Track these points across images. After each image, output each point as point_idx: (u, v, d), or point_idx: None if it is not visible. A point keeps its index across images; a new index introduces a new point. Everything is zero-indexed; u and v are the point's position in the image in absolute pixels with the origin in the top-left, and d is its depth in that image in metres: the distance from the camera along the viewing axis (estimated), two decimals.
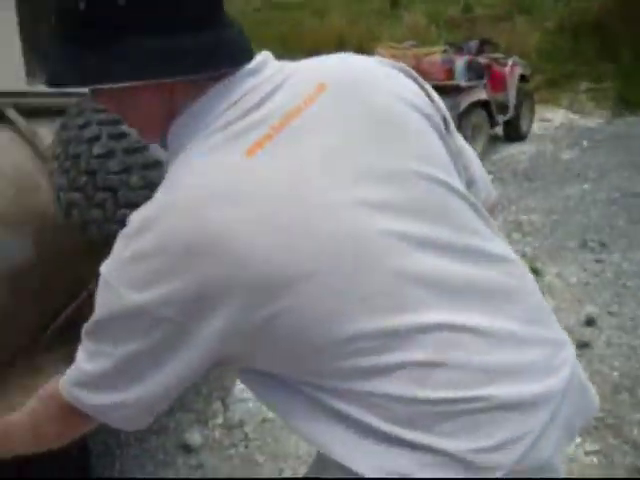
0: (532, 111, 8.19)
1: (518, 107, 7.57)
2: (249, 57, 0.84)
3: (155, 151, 1.36)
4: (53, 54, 0.84)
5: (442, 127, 0.96)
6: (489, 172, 6.72)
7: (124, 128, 1.36)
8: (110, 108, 0.91)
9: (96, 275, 0.81)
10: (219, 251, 0.72)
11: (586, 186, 5.89)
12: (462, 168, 1.00)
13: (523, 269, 0.94)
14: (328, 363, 0.77)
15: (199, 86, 0.82)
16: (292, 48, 13.28)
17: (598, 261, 4.33)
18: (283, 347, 0.77)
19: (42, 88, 1.31)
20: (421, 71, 6.57)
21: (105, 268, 0.79)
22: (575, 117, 9.44)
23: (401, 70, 0.99)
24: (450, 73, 6.45)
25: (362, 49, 12.78)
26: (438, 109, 0.97)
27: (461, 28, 13.27)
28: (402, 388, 0.76)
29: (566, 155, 7.10)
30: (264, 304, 0.74)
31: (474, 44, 7.30)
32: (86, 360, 0.83)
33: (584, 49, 11.68)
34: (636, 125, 8.53)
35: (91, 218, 1.35)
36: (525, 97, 7.80)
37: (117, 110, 0.89)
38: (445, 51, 6.60)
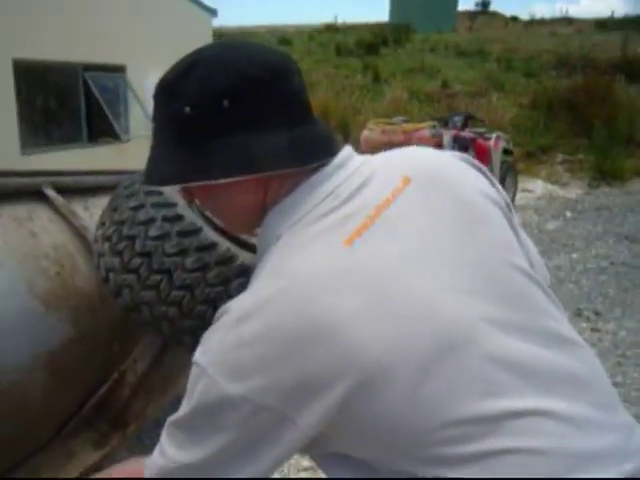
0: (515, 183, 8.46)
1: (502, 180, 7.82)
2: (337, 150, 0.90)
3: (209, 234, 1.38)
4: (153, 155, 0.89)
5: (509, 214, 1.00)
6: None
7: (179, 210, 1.38)
8: (202, 202, 0.94)
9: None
10: (327, 340, 0.73)
11: (574, 256, 6.03)
12: (525, 251, 1.04)
13: (590, 351, 0.96)
14: (417, 450, 0.77)
15: (292, 178, 0.86)
16: None
17: (594, 330, 4.38)
18: (373, 433, 0.77)
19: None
20: (411, 145, 6.81)
21: (202, 358, 0.78)
22: (554, 188, 9.78)
23: (467, 162, 1.03)
24: (439, 146, 6.68)
25: (346, 122, 13.20)
26: (502, 196, 1.02)
27: (440, 103, 13.87)
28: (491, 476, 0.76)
29: (551, 225, 7.29)
30: (367, 391, 0.73)
31: (459, 118, 7.60)
32: (176, 449, 0.81)
33: (558, 124, 12.26)
34: (614, 196, 8.86)
35: (143, 300, 1.34)
36: (508, 170, 8.07)
37: (209, 204, 0.93)
38: (434, 126, 6.86)
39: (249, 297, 0.80)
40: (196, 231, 1.35)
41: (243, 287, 1.34)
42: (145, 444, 2.93)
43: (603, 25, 24.10)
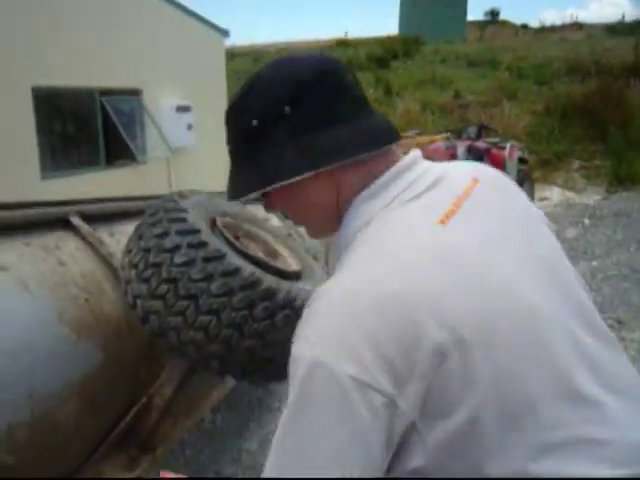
0: (532, 192, 8.41)
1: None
2: (398, 136, 0.97)
3: (233, 259, 1.40)
4: (231, 173, 0.98)
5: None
6: None
7: (203, 237, 1.41)
8: (282, 206, 0.99)
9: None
10: (435, 315, 0.75)
11: (594, 263, 5.97)
12: None
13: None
14: (503, 439, 0.76)
15: (362, 171, 0.92)
16: None
17: (619, 339, 4.32)
18: (459, 421, 0.76)
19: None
20: (426, 157, 6.81)
21: (311, 351, 0.75)
22: (571, 194, 9.71)
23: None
24: (453, 158, 6.68)
25: None
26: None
27: (453, 114, 13.88)
28: (577, 466, 0.77)
29: (570, 233, 7.22)
30: (467, 365, 0.75)
31: (473, 129, 7.60)
32: (288, 457, 0.76)
33: (573, 130, 12.19)
34: (632, 201, 8.76)
35: (170, 325, 1.37)
36: (524, 179, 8.04)
37: (289, 206, 0.98)
38: (447, 138, 6.87)
39: (348, 280, 0.80)
40: (220, 257, 1.38)
41: (268, 311, 1.38)
42: (172, 465, 2.95)
43: (613, 29, 23.97)
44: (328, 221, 0.97)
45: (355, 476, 0.73)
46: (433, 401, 0.75)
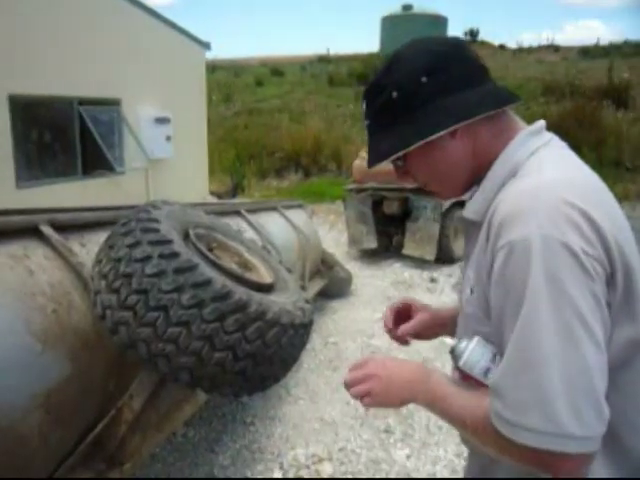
0: None
1: None
2: (518, 98, 1.08)
3: (205, 270, 1.39)
4: (371, 144, 1.10)
5: None
6: None
7: (175, 248, 1.40)
8: (421, 168, 1.09)
9: None
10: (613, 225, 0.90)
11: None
12: None
13: None
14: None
15: (494, 128, 1.05)
16: (271, 150, 13.81)
17: None
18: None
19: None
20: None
21: (536, 230, 0.85)
22: None
23: None
24: None
25: (339, 151, 13.33)
26: None
27: None
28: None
29: None
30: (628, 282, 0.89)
31: None
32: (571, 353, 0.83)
33: None
34: None
35: (140, 337, 1.35)
36: None
37: (425, 169, 1.08)
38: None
39: (548, 174, 0.94)
40: (192, 268, 1.37)
41: (239, 323, 1.36)
42: None
43: (588, 52, 24.57)
44: (463, 179, 1.07)
45: (600, 341, 0.84)
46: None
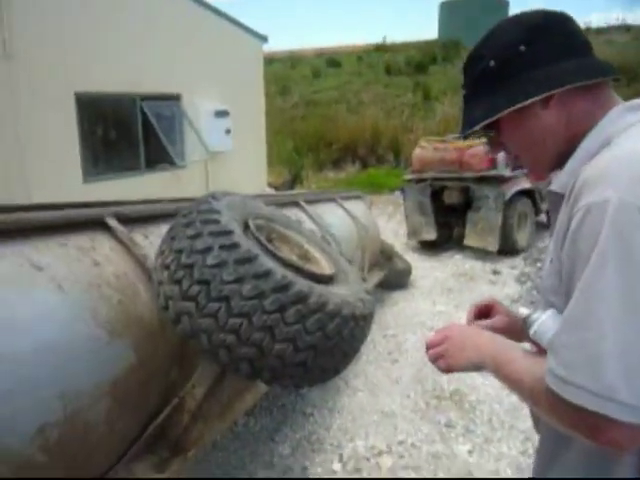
0: None
1: None
2: (616, 71, 1.07)
3: (265, 261, 1.38)
4: (465, 112, 1.12)
5: None
6: (537, 260, 6.64)
7: (235, 238, 1.40)
8: (514, 138, 1.09)
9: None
10: None
11: None
12: None
13: None
14: None
15: (589, 100, 1.03)
16: (329, 141, 13.79)
17: None
18: None
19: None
20: (464, 162, 6.71)
21: (613, 195, 0.84)
22: None
23: None
24: (492, 163, 6.56)
25: (397, 141, 13.18)
26: None
27: None
28: None
29: None
30: None
31: None
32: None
33: None
34: None
35: (202, 327, 1.36)
36: None
37: (516, 137, 1.08)
38: (487, 143, 6.74)
39: (630, 146, 0.92)
40: (252, 259, 1.36)
41: (299, 314, 1.35)
42: (203, 468, 2.96)
43: None
44: (555, 152, 1.06)
45: None
46: None
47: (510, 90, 1.03)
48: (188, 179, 8.91)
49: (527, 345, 1.08)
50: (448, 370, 1.09)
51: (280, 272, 1.37)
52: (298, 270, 1.48)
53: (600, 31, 26.67)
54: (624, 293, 0.81)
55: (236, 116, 9.65)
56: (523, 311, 1.02)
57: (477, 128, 1.07)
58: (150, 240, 1.86)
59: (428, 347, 1.12)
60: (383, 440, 3.21)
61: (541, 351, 0.96)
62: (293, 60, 22.78)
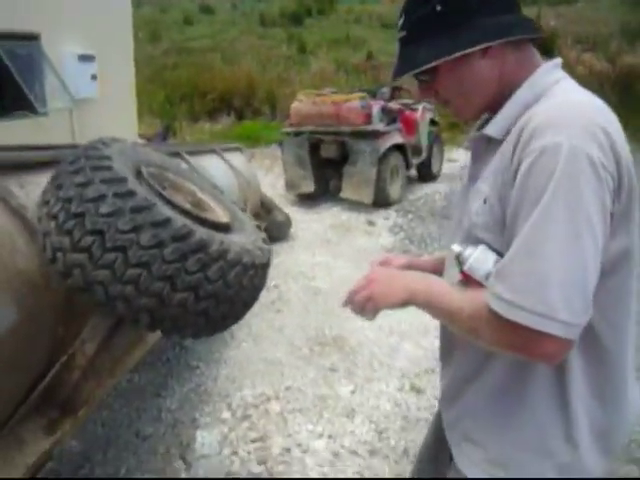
0: (442, 153, 8.70)
1: (429, 150, 8.03)
2: (541, 31, 1.17)
3: (163, 209, 1.34)
4: (404, 52, 1.14)
5: None
6: (408, 212, 7.02)
7: (130, 186, 1.34)
8: (448, 84, 1.14)
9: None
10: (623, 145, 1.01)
11: None
12: None
13: None
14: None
15: (522, 56, 1.12)
16: (203, 92, 13.32)
17: None
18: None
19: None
20: (341, 116, 6.83)
21: (565, 139, 0.93)
22: None
23: None
24: (368, 118, 6.74)
25: (272, 93, 13.04)
26: None
27: (366, 74, 13.94)
28: None
29: None
30: (629, 204, 1.01)
31: (386, 90, 7.68)
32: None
33: None
34: None
35: (97, 280, 1.29)
36: (435, 140, 8.28)
37: (452, 85, 1.13)
38: (363, 97, 6.90)
39: (572, 96, 1.06)
40: (149, 207, 1.32)
41: (201, 263, 1.34)
42: (89, 428, 2.87)
43: None
44: (485, 100, 1.13)
45: (599, 244, 0.94)
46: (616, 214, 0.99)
47: (456, 37, 1.07)
48: (51, 128, 8.21)
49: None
50: (376, 311, 1.13)
51: (180, 220, 1.34)
52: (196, 218, 1.46)
53: None
54: (570, 228, 0.91)
55: (103, 61, 8.98)
56: (455, 248, 1.09)
57: (422, 69, 1.10)
58: (26, 190, 1.72)
59: (352, 294, 1.14)
60: (270, 387, 3.30)
61: (471, 283, 1.06)
62: (163, 4, 21.47)
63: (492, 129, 1.11)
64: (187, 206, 1.52)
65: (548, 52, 14.21)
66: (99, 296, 1.31)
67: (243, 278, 1.42)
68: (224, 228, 1.57)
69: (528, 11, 15.84)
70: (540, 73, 1.10)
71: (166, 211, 1.34)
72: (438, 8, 1.08)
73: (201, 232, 1.35)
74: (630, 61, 13.44)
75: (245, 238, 1.57)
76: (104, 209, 1.29)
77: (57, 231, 1.33)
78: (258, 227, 1.77)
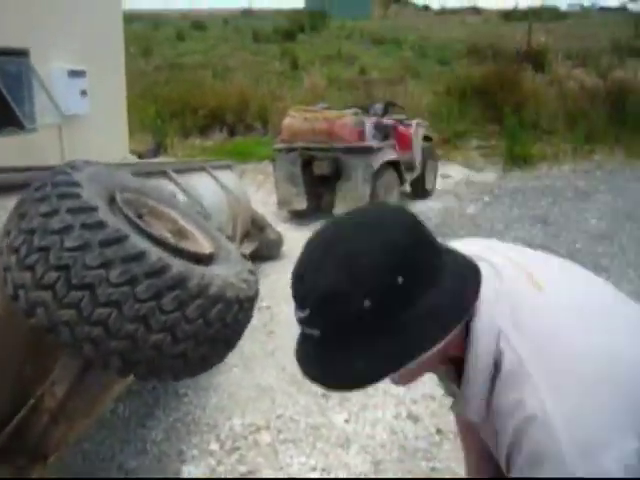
0: (436, 169, 8.63)
1: (423, 166, 7.95)
2: (479, 279, 0.95)
3: (137, 242, 1.22)
4: (334, 360, 0.89)
5: None
6: None
7: (100, 216, 1.21)
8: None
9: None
10: None
11: (494, 239, 6.21)
12: None
13: None
14: None
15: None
16: (195, 108, 13.25)
17: None
18: None
19: None
20: (334, 133, 6.74)
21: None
22: (471, 172, 10.08)
23: None
24: (361, 135, 6.66)
25: (265, 109, 12.98)
26: None
27: (359, 90, 13.92)
28: None
29: (471, 210, 7.49)
30: None
31: (379, 106, 7.62)
32: None
33: (471, 110, 12.63)
34: (525, 180, 9.26)
35: (62, 320, 1.17)
36: (429, 156, 8.21)
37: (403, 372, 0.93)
38: (356, 114, 6.82)
39: (535, 404, 0.87)
40: (121, 239, 1.20)
41: (178, 301, 1.21)
42: (69, 464, 2.71)
43: (508, 15, 25.16)
44: (435, 365, 1.00)
45: None
46: None
47: (401, 336, 0.85)
48: (40, 145, 8.08)
49: None
50: None
51: (155, 253, 1.22)
52: (175, 250, 1.34)
53: (454, 12, 28.23)
54: None
55: (93, 77, 8.88)
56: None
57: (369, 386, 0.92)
58: None
59: None
60: (261, 416, 3.16)
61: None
62: (156, 20, 21.51)
63: (472, 413, 0.99)
64: (166, 236, 1.39)
65: (539, 68, 14.29)
66: (65, 337, 1.19)
67: (226, 315, 1.29)
68: (207, 259, 1.45)
69: (520, 27, 16.08)
70: (476, 335, 0.93)
71: (140, 243, 1.22)
72: (366, 303, 0.84)
73: (179, 266, 1.23)
74: (620, 76, 13.49)
75: (229, 269, 1.45)
76: (70, 242, 1.17)
77: (19, 266, 1.21)
78: (244, 256, 1.65)
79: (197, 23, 21.13)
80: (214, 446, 2.90)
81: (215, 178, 4.23)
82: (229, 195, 4.27)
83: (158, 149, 11.41)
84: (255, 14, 23.61)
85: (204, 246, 1.54)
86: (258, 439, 2.96)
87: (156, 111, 12.82)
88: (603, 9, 33.90)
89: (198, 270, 1.27)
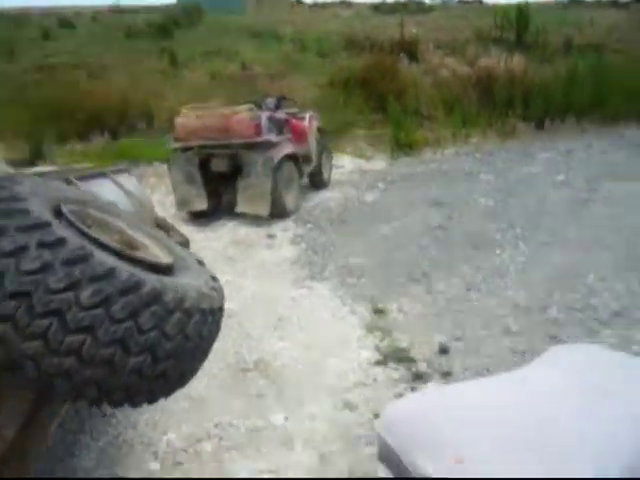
0: (330, 160, 8.75)
1: (319, 157, 8.02)
2: None
3: (104, 258, 1.10)
4: None
5: None
6: (307, 221, 6.94)
7: (59, 232, 1.09)
8: None
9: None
10: None
11: (396, 224, 6.42)
12: None
13: None
14: None
15: None
16: (71, 111, 12.44)
17: (428, 292, 4.72)
18: None
19: None
20: (231, 129, 6.61)
21: None
22: (362, 162, 10.32)
23: None
24: (258, 129, 6.59)
25: (149, 108, 12.47)
26: None
27: (242, 85, 13.76)
28: None
29: (369, 197, 7.67)
30: None
31: (272, 100, 7.57)
32: None
33: (355, 101, 12.94)
34: (414, 165, 9.65)
35: (26, 354, 1.04)
36: (323, 148, 8.30)
37: None
38: (251, 109, 6.73)
39: None
40: (86, 256, 1.08)
41: (156, 318, 1.12)
42: None
43: (378, 8, 26.11)
44: None
45: None
46: None
47: None
48: None
49: None
50: None
51: (125, 269, 1.11)
52: (140, 263, 1.23)
53: (326, 6, 28.79)
54: None
55: None
56: None
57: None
58: None
59: None
60: (198, 426, 3.04)
61: None
62: (16, 19, 19.91)
63: None
64: (126, 249, 1.28)
65: (414, 58, 14.94)
66: (31, 374, 1.05)
67: (203, 327, 1.22)
68: (167, 270, 1.36)
69: (390, 19, 16.69)
70: None
71: (106, 259, 1.11)
72: None
73: (152, 280, 1.14)
74: (487, 63, 14.44)
75: (195, 279, 1.37)
76: (27, 265, 1.04)
77: None
78: (200, 262, 1.56)
79: (63, 22, 19.82)
80: (154, 465, 2.76)
81: (117, 183, 3.99)
82: (133, 199, 4.06)
83: (35, 156, 10.58)
84: (125, 10, 22.54)
85: (160, 255, 1.44)
86: (199, 450, 2.86)
87: (29, 116, 11.89)
88: (461, 2, 36.04)
89: (170, 282, 1.18)
